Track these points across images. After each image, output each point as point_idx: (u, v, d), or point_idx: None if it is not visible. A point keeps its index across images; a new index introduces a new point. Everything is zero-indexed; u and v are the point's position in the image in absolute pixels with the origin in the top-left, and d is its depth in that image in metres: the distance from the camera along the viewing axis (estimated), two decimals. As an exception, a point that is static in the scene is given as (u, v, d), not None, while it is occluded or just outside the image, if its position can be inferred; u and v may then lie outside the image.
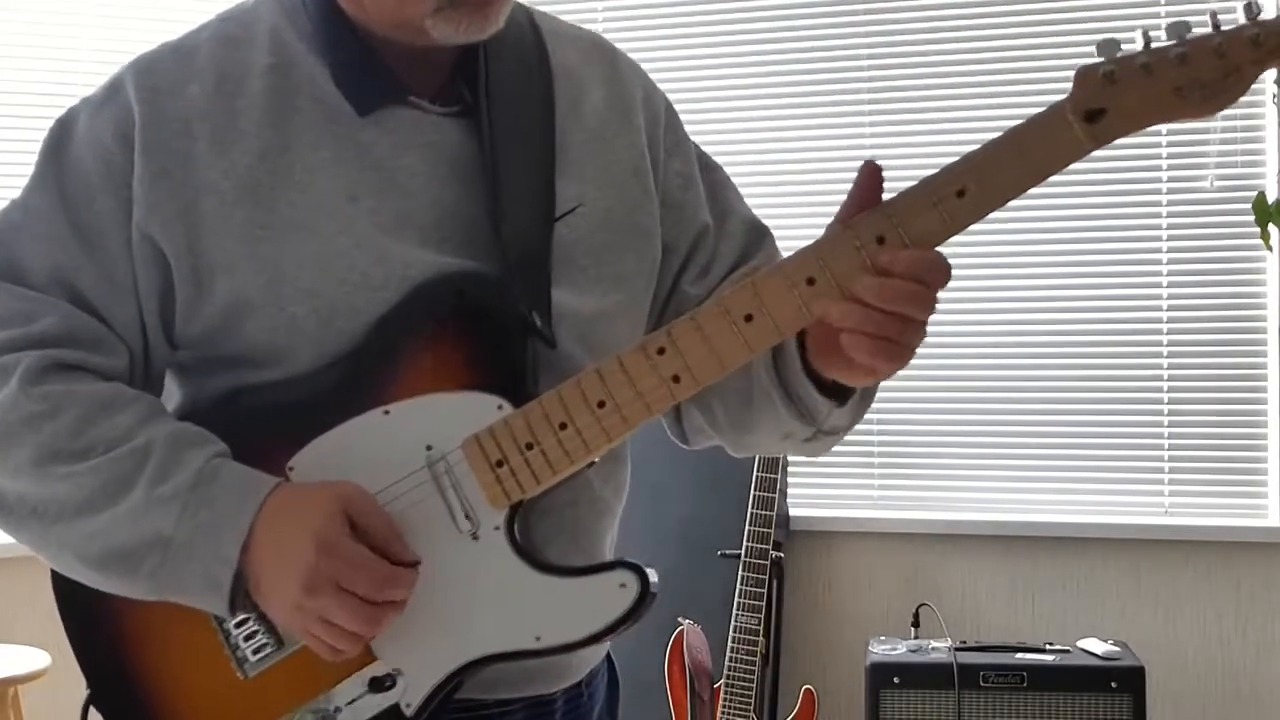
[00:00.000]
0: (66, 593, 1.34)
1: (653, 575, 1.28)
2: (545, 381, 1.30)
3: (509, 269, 1.31)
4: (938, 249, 1.21)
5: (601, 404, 1.26)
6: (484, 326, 1.30)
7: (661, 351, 1.25)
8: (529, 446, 1.26)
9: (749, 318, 1.23)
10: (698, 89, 4.01)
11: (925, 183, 1.21)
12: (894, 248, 1.20)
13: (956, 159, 1.20)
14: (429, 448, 1.28)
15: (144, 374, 1.37)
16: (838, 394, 1.33)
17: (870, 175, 1.23)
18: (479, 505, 1.27)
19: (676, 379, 1.25)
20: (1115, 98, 1.16)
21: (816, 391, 1.32)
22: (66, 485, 1.26)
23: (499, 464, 1.27)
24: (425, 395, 1.29)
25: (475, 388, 1.28)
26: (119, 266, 1.32)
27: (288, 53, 1.36)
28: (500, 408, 1.27)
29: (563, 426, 1.26)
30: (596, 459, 1.30)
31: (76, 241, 1.32)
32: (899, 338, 1.20)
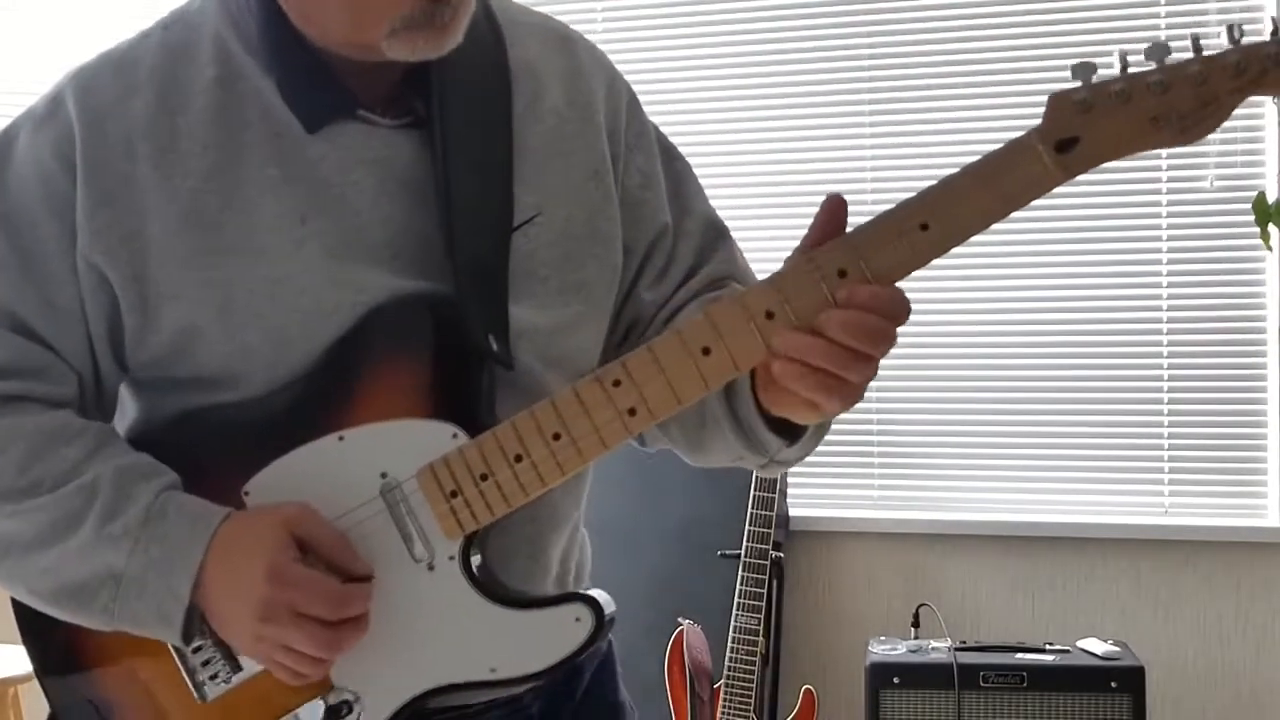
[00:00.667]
0: (26, 617, 1.34)
1: (609, 606, 1.28)
2: (504, 401, 1.28)
3: (463, 289, 1.27)
4: (898, 285, 1.17)
5: (557, 436, 1.24)
6: (438, 352, 1.28)
7: (617, 384, 1.22)
8: (484, 478, 1.25)
9: (706, 350, 1.20)
10: (698, 89, 3.95)
11: (889, 214, 1.17)
12: (856, 281, 1.16)
13: (916, 192, 1.16)
14: (384, 475, 1.27)
15: (95, 396, 1.35)
16: (788, 431, 1.30)
17: (833, 207, 1.19)
18: (434, 535, 1.26)
19: (632, 412, 1.22)
20: (1089, 126, 1.12)
21: (766, 428, 1.29)
22: (14, 523, 1.26)
23: (453, 494, 1.25)
24: (380, 422, 1.27)
25: (430, 415, 1.27)
26: (64, 292, 1.29)
27: (233, 64, 1.31)
28: (455, 436, 1.26)
29: (518, 459, 1.24)
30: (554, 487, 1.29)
31: (18, 265, 1.29)
32: (848, 374, 1.16)
